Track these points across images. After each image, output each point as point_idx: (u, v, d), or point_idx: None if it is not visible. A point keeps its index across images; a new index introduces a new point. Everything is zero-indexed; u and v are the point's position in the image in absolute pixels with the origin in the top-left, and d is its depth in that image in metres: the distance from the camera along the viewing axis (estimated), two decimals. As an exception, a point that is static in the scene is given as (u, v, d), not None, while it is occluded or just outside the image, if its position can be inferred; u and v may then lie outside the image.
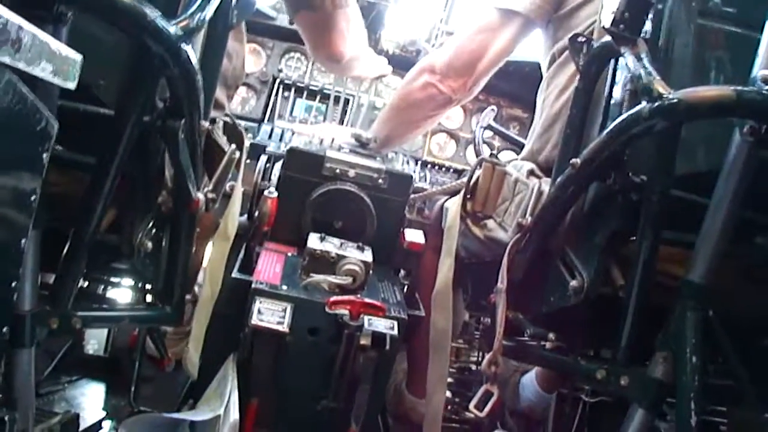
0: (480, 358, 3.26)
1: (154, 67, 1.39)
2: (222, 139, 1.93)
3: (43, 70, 0.82)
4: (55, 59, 0.85)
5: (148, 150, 1.55)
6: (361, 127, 3.62)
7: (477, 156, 3.00)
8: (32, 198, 0.92)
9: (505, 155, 3.31)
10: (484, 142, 3.18)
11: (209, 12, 1.47)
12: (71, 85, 0.91)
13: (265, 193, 2.28)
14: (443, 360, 2.10)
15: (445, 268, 2.08)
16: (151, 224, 1.71)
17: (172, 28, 1.32)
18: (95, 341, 3.09)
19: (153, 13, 1.26)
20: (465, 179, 2.17)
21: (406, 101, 2.64)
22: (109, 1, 1.20)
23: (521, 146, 2.58)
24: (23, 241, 0.94)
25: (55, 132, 0.94)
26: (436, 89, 2.50)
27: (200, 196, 1.69)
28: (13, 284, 0.98)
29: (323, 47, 2.47)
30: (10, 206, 0.88)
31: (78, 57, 0.92)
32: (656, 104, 1.30)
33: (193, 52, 1.41)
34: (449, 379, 3.17)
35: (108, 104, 1.47)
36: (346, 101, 3.70)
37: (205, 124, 1.69)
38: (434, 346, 2.09)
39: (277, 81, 3.67)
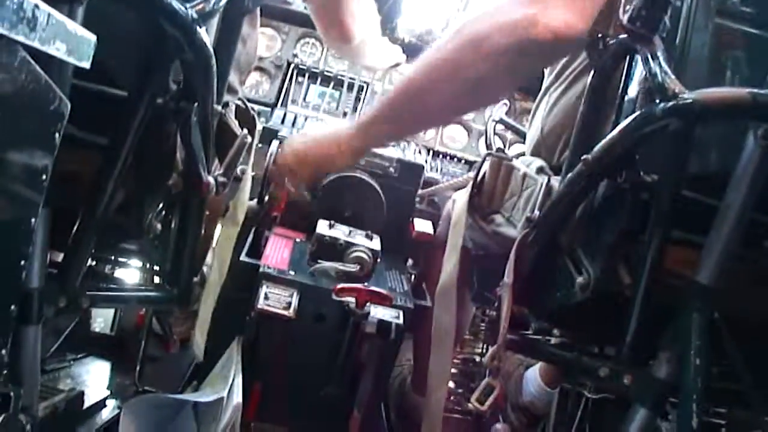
0: (484, 350, 3.27)
1: (169, 49, 1.39)
2: (234, 123, 1.93)
3: (57, 50, 0.82)
4: (69, 39, 0.85)
5: (160, 132, 1.55)
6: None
7: (488, 149, 2.97)
8: (43, 177, 0.93)
9: (517, 148, 3.30)
10: (496, 134, 3.16)
11: (225, -5, 1.47)
12: (85, 65, 0.92)
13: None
14: (445, 357, 2.09)
15: (450, 263, 2.06)
16: (160, 206, 1.72)
17: (188, 11, 1.32)
18: (102, 319, 3.11)
19: (169, -4, 1.27)
20: (473, 173, 2.17)
21: (469, 55, 1.66)
22: (125, -18, 1.20)
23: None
24: (33, 220, 0.95)
25: (68, 112, 0.94)
26: (538, 25, 1.55)
27: (210, 179, 1.70)
28: (23, 262, 0.98)
29: (334, 27, 2.43)
30: (21, 185, 0.89)
31: (92, 37, 0.92)
32: (670, 104, 1.29)
33: (207, 35, 1.41)
34: (453, 370, 3.18)
35: (122, 85, 1.47)
36: (360, 88, 3.69)
37: (218, 107, 1.69)
38: (437, 343, 2.08)
39: (292, 66, 3.67)
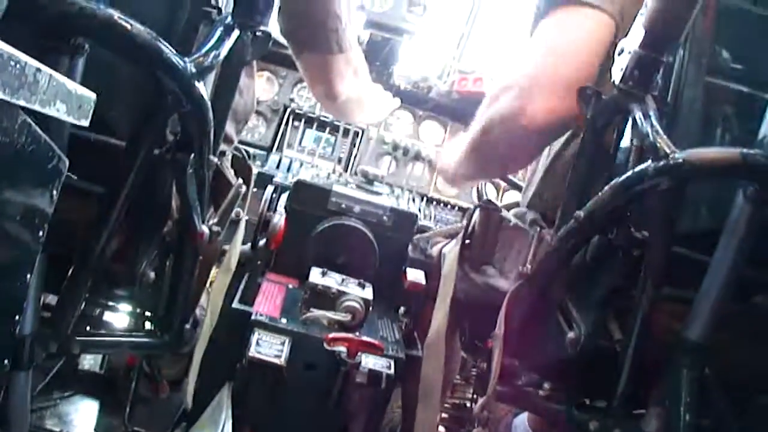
0: (474, 396, 3.26)
1: (167, 102, 1.41)
2: (229, 173, 1.95)
3: (57, 111, 0.83)
4: (69, 99, 0.86)
5: (156, 182, 1.56)
6: (369, 160, 3.64)
7: (479, 197, 2.98)
8: (40, 233, 0.94)
9: (511, 196, 3.31)
10: (489, 181, 3.17)
11: (224, 50, 1.49)
12: (84, 123, 0.93)
13: (278, 211, 2.32)
14: (433, 408, 2.10)
15: (440, 315, 2.08)
16: (155, 254, 1.72)
17: (187, 66, 1.33)
18: (91, 357, 3.09)
19: (168, 50, 1.28)
20: (465, 222, 2.18)
21: (482, 140, 2.01)
22: (125, 36, 1.21)
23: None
24: (29, 275, 0.95)
25: (66, 169, 0.96)
26: (525, 116, 1.83)
27: (205, 228, 1.71)
28: (17, 317, 0.99)
29: (321, 85, 2.45)
30: (18, 242, 0.90)
31: (92, 95, 0.94)
32: (661, 163, 1.31)
33: (205, 87, 1.43)
34: (444, 415, 3.17)
35: (120, 135, 1.49)
36: (356, 134, 3.73)
37: (214, 158, 1.70)
38: (424, 394, 2.09)
39: (288, 110, 3.70)
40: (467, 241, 2.10)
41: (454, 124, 3.91)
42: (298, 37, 2.16)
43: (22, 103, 0.74)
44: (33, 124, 0.81)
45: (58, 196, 0.95)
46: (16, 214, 0.86)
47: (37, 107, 0.78)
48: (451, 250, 2.15)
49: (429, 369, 2.08)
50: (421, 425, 2.08)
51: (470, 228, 2.09)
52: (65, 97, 0.85)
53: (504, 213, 2.02)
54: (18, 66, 0.72)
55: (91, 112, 0.94)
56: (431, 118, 3.93)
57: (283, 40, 2.17)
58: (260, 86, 3.72)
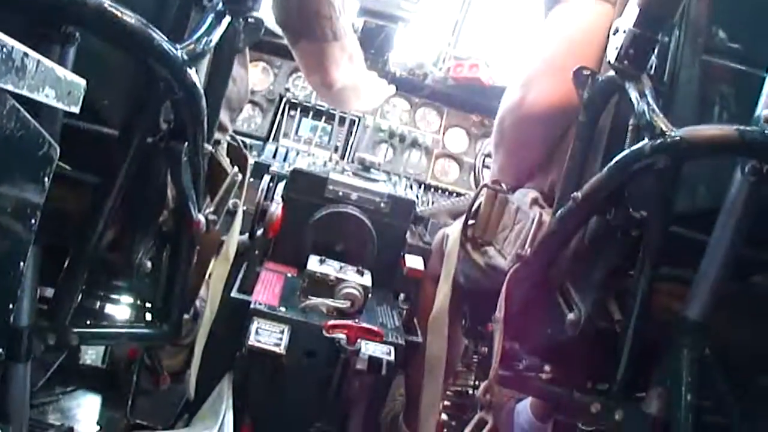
0: (476, 383, 3.26)
1: (160, 90, 1.40)
2: (225, 161, 1.94)
3: (46, 96, 0.82)
4: (59, 85, 0.85)
5: (151, 171, 1.55)
6: (365, 148, 3.64)
7: (476, 184, 2.98)
8: (32, 221, 0.93)
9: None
10: (486, 167, 3.16)
11: (216, 36, 1.48)
12: (74, 110, 0.92)
13: (275, 200, 2.31)
14: (437, 385, 2.10)
15: (443, 293, 2.08)
16: (151, 243, 1.71)
17: (179, 52, 1.33)
18: (93, 352, 3.08)
19: (159, 37, 1.27)
20: (468, 200, 2.18)
21: (498, 129, 2.11)
22: (116, 24, 1.20)
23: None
24: (22, 263, 0.95)
25: (57, 156, 0.94)
26: (523, 106, 1.93)
27: (201, 217, 1.70)
28: (11, 306, 0.98)
29: (317, 74, 2.43)
30: (10, 230, 0.89)
31: (82, 82, 0.92)
32: (658, 141, 1.30)
33: (198, 76, 1.42)
34: (446, 402, 3.17)
35: (113, 124, 1.48)
36: (352, 122, 3.72)
37: (208, 147, 1.69)
38: (428, 371, 2.09)
39: (284, 100, 3.70)
40: (471, 221, 2.11)
41: (450, 111, 3.91)
42: (293, 26, 2.15)
43: (9, 87, 0.73)
44: (22, 109, 0.80)
45: (49, 183, 0.94)
46: (6, 201, 0.85)
47: (25, 92, 0.77)
48: (455, 230, 2.15)
49: (433, 344, 2.09)
50: (426, 401, 2.09)
51: (474, 208, 2.09)
52: (54, 83, 0.84)
53: (509, 195, 2.02)
54: (5, 50, 0.72)
55: (81, 98, 0.93)
56: (427, 105, 3.94)
57: (278, 30, 2.16)
58: (255, 76, 3.72)
